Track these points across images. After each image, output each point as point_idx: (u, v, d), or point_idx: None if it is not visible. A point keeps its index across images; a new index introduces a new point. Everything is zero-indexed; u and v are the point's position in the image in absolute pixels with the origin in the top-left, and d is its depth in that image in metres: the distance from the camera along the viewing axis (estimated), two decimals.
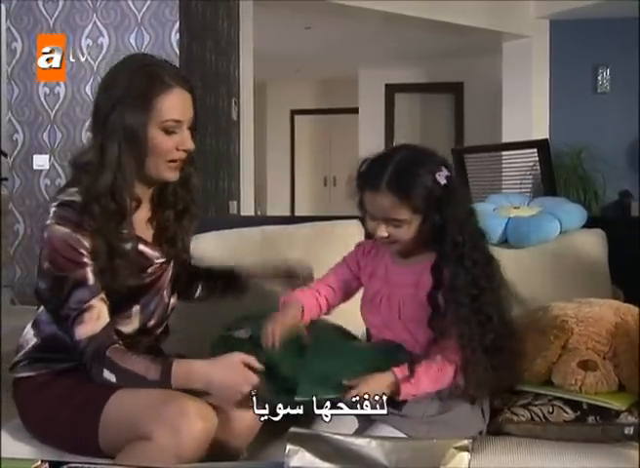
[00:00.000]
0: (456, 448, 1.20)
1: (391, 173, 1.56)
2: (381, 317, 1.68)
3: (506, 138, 6.41)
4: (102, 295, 1.60)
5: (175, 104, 1.62)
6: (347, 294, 1.81)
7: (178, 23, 3.92)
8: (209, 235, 2.22)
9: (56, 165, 4.06)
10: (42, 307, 1.73)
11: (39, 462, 1.14)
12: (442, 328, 1.57)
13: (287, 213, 9.28)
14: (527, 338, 1.63)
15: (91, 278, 1.58)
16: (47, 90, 4.05)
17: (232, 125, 4.80)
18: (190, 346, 1.89)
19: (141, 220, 1.72)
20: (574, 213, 2.15)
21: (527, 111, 6.42)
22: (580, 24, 6.22)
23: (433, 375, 1.55)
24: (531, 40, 6.36)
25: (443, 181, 1.55)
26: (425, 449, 1.22)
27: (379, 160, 1.62)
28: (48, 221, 1.59)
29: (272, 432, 1.63)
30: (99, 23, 3.99)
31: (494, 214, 2.19)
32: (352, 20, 6.26)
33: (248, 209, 5.03)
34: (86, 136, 3.97)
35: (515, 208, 2.19)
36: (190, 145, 1.66)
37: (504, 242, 2.16)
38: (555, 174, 5.66)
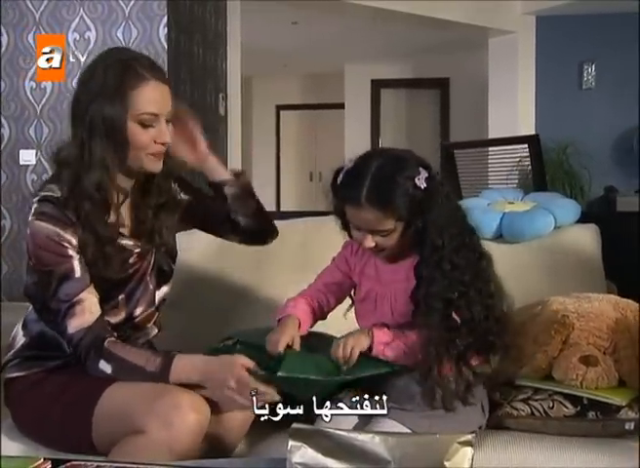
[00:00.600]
0: (459, 443, 1.20)
1: (370, 186, 1.52)
2: (375, 317, 1.67)
3: (493, 134, 6.43)
4: (92, 288, 1.60)
5: (150, 97, 1.61)
6: (341, 296, 1.79)
7: (166, 17, 3.90)
8: None
9: (42, 160, 4.01)
10: (31, 306, 1.72)
11: (41, 460, 1.12)
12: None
13: (272, 208, 9.25)
14: (526, 333, 1.63)
15: (78, 270, 1.59)
16: (33, 84, 3.99)
17: (220, 120, 4.77)
18: (184, 342, 1.89)
19: (125, 212, 1.73)
20: (568, 208, 2.16)
21: (513, 107, 6.44)
22: (565, 21, 6.25)
23: (409, 342, 1.56)
24: (517, 36, 6.36)
25: (423, 185, 1.53)
26: (429, 445, 1.23)
27: (354, 171, 1.58)
28: (30, 217, 1.60)
29: (265, 426, 1.63)
30: (85, 17, 3.94)
31: (488, 209, 2.19)
32: (339, 16, 6.25)
33: None
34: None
35: (510, 203, 2.19)
36: (168, 138, 1.65)
37: (499, 237, 2.17)
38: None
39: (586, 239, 2.11)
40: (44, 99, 4.00)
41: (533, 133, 6.25)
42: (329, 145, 9.37)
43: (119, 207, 1.68)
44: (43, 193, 1.60)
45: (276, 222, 2.28)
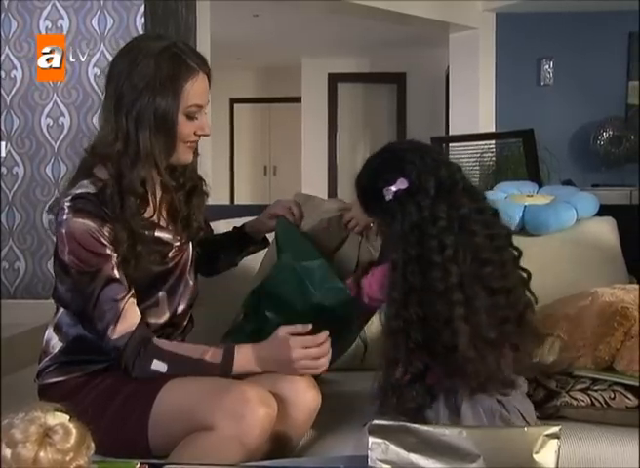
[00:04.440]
0: (546, 435, 1.21)
1: (360, 173, 1.62)
2: None
3: (454, 129, 6.50)
4: (131, 290, 1.56)
5: (199, 90, 1.60)
6: None
7: (142, 7, 3.80)
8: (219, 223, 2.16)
9: (12, 152, 3.87)
10: (62, 310, 1.65)
11: (137, 464, 1.08)
12: None
13: (227, 201, 9.17)
14: (579, 325, 1.64)
15: (116, 272, 1.54)
16: (3, 73, 3.85)
17: None
18: (206, 337, 1.85)
19: (159, 203, 1.69)
20: (588, 201, 2.20)
21: (473, 102, 6.50)
22: (524, 18, 6.35)
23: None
24: (477, 32, 6.43)
25: (389, 197, 1.52)
26: (516, 438, 1.23)
27: (371, 157, 1.64)
28: (65, 216, 1.52)
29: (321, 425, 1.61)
30: (58, 5, 3.81)
31: (507, 201, 2.21)
32: (300, 9, 6.21)
33: None
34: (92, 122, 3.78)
35: (529, 196, 2.21)
36: (208, 131, 1.64)
37: (521, 229, 2.18)
38: (504, 164, 5.81)
39: (606, 231, 2.16)
40: (14, 90, 3.84)
41: (493, 128, 6.38)
42: (284, 139, 9.35)
43: (157, 199, 1.65)
44: (77, 191, 1.55)
45: None
